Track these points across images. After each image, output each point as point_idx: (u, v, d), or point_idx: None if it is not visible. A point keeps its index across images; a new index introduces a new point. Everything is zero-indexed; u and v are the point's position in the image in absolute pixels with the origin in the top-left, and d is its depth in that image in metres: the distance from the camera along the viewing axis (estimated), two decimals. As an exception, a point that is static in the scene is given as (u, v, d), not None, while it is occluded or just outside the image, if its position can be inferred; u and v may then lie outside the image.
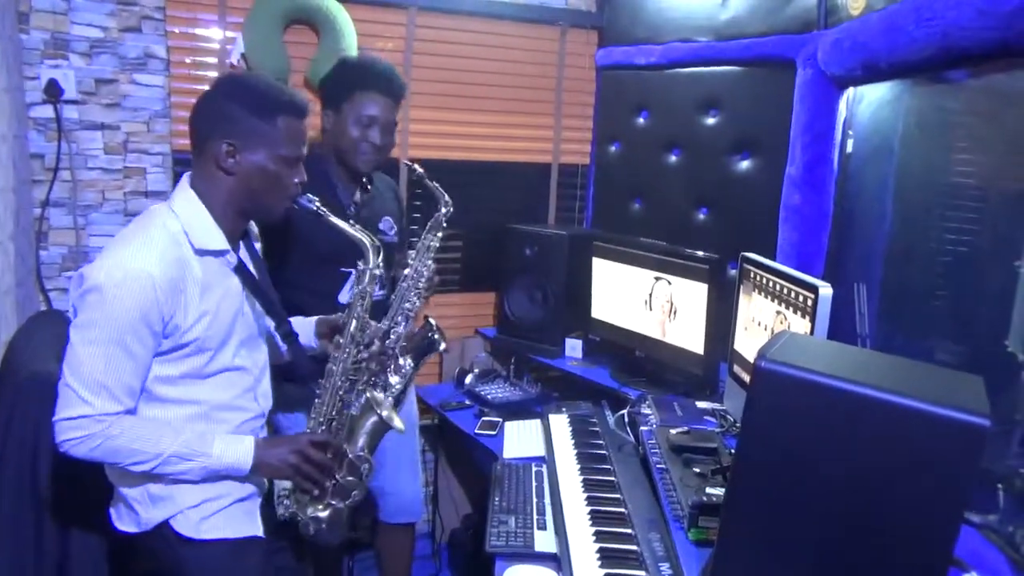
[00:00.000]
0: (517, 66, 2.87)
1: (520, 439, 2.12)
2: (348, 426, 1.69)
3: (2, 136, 1.94)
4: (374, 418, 1.68)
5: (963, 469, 0.91)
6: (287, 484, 1.62)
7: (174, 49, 2.35)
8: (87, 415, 1.33)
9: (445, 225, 2.04)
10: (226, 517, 1.52)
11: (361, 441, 1.68)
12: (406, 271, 1.99)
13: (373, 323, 1.72)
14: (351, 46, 2.46)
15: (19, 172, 2.10)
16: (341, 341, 1.66)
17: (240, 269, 1.52)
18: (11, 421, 1.48)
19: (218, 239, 1.46)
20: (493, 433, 2.29)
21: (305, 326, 1.76)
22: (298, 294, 1.88)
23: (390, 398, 1.86)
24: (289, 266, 1.94)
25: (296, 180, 1.51)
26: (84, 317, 1.33)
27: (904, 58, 1.75)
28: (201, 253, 1.43)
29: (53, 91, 2.21)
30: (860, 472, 0.98)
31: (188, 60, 2.38)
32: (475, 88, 2.81)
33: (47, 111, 2.23)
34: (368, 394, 1.73)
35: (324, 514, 1.63)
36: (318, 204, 1.59)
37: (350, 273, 2.02)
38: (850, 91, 2.10)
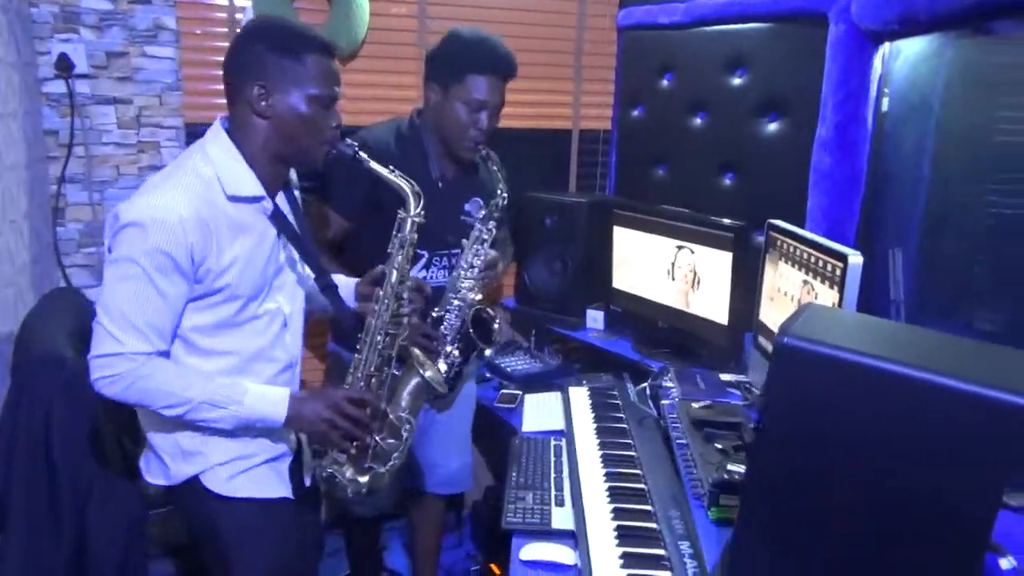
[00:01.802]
0: (535, 28, 2.77)
1: (539, 412, 2.08)
2: (390, 386, 1.61)
3: (12, 113, 1.92)
4: (417, 379, 1.61)
5: (1001, 452, 0.85)
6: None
7: (183, 20, 2.30)
8: (118, 353, 1.32)
9: (497, 216, 1.98)
10: (255, 477, 1.51)
11: (404, 402, 1.60)
12: (461, 261, 1.96)
13: (416, 277, 1.65)
14: (363, 13, 2.40)
15: (33, 149, 2.09)
16: (380, 293, 1.59)
17: (276, 216, 1.49)
18: (21, 398, 1.48)
19: (252, 185, 1.43)
20: (512, 406, 2.26)
21: (347, 286, 1.71)
22: (369, 266, 1.77)
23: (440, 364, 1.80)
24: (368, 235, 1.88)
25: (333, 124, 1.47)
26: (117, 253, 1.33)
27: (946, 8, 1.63)
28: (234, 199, 1.41)
29: (64, 66, 2.18)
30: (890, 453, 0.92)
31: (198, 31, 2.33)
32: (492, 53, 2.72)
33: (59, 86, 2.20)
34: (413, 352, 1.65)
35: (364, 479, 1.55)
36: (357, 148, 1.54)
37: (423, 255, 2.00)
38: (886, 46, 1.99)
